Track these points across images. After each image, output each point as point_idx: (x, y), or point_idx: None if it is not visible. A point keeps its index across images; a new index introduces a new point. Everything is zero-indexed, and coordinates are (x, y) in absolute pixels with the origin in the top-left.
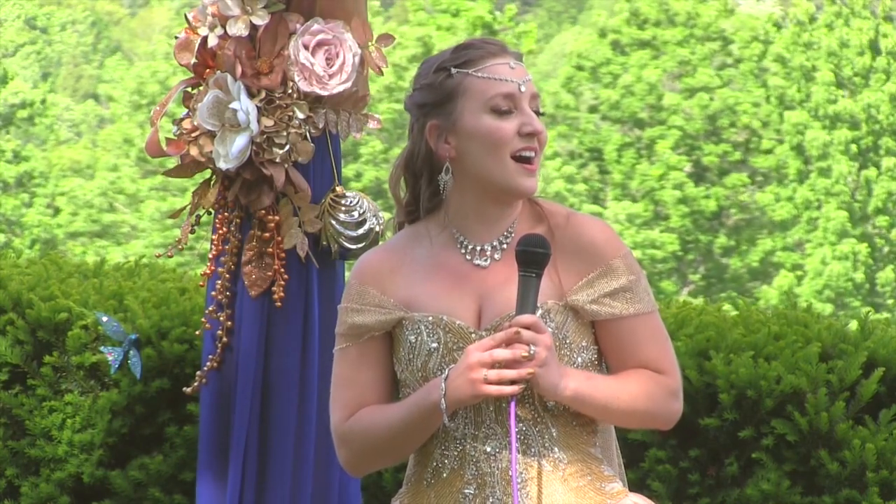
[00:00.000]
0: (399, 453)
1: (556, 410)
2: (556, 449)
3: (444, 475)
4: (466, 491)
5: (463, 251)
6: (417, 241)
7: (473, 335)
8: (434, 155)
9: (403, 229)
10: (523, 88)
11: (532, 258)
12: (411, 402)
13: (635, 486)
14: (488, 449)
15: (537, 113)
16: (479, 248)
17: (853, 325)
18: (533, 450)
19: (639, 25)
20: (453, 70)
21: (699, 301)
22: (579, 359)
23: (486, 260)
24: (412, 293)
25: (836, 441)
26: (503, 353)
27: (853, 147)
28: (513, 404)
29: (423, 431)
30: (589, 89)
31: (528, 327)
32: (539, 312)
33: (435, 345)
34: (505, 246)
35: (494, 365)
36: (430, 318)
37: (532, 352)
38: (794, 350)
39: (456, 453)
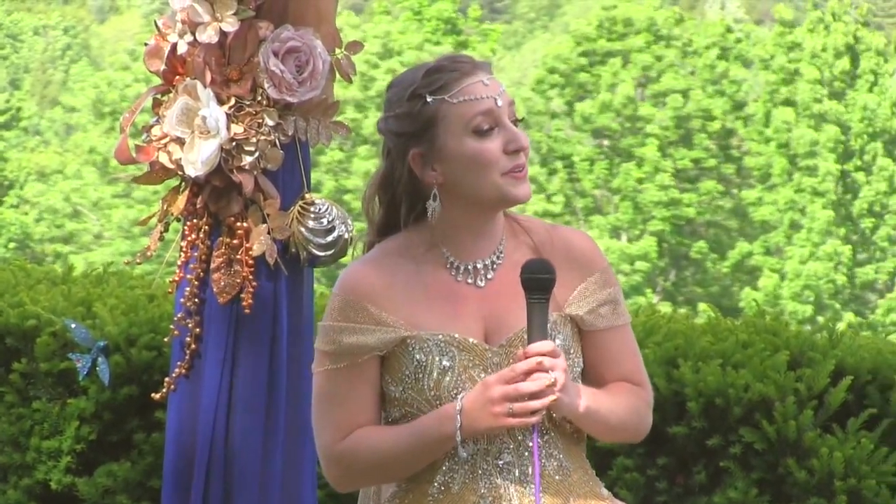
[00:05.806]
0: (401, 475)
1: (557, 420)
2: (562, 458)
3: (455, 489)
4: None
5: (452, 271)
6: (403, 257)
7: (488, 352)
8: (420, 182)
9: (383, 243)
10: (500, 102)
11: (539, 284)
12: (420, 430)
13: None
14: (501, 462)
15: (515, 121)
16: (470, 266)
17: (822, 334)
18: (542, 460)
19: (608, 37)
20: (429, 98)
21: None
22: (578, 369)
23: (481, 280)
24: (415, 312)
25: (804, 449)
26: (530, 387)
27: (840, 147)
28: (535, 433)
29: (430, 458)
30: (559, 95)
31: (545, 355)
32: (558, 342)
33: (448, 363)
34: (496, 266)
35: (519, 398)
36: (441, 336)
37: (554, 379)
38: (763, 358)
39: (467, 467)
